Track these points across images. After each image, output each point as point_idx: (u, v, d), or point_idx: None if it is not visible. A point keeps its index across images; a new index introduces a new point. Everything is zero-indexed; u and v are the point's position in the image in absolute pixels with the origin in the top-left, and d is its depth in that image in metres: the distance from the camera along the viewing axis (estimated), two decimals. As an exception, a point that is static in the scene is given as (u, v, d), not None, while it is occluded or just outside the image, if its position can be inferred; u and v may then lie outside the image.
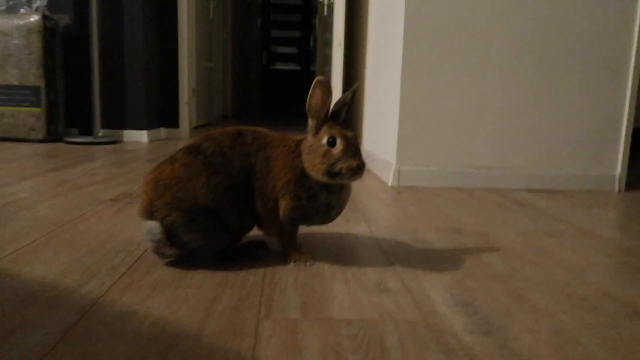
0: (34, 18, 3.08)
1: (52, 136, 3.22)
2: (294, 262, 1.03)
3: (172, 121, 3.78)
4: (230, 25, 6.32)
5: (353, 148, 0.94)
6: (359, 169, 0.93)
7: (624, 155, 2.10)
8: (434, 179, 2.05)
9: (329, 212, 1.01)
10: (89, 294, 0.86)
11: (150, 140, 3.44)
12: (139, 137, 3.39)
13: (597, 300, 0.93)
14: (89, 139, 3.15)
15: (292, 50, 8.69)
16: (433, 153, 2.05)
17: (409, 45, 2.00)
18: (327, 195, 0.98)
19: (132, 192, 1.72)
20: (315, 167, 0.95)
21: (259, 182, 0.98)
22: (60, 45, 3.28)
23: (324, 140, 0.95)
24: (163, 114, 3.73)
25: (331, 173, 0.93)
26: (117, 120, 3.39)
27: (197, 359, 0.67)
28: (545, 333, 0.78)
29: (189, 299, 0.86)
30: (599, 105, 2.09)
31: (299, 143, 1.00)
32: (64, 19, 3.31)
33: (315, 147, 0.95)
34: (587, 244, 1.30)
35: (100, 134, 3.26)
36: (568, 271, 1.08)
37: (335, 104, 0.98)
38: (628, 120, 2.09)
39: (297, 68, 8.67)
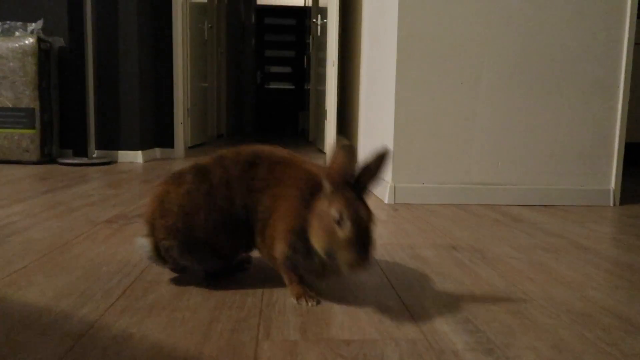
0: (29, 41, 3.09)
1: (47, 158, 3.21)
2: (296, 300, 0.94)
3: (167, 141, 3.78)
4: (224, 45, 6.38)
5: (361, 238, 0.81)
6: (358, 266, 0.81)
7: (617, 170, 2.12)
8: (429, 196, 2.05)
9: (324, 274, 0.92)
10: (84, 318, 0.85)
11: (145, 161, 3.44)
12: (134, 157, 3.39)
13: (597, 316, 0.92)
14: (83, 160, 3.14)
15: (286, 69, 8.78)
16: (428, 170, 2.06)
17: (401, 64, 2.02)
18: (324, 260, 0.87)
19: (127, 213, 1.71)
20: (316, 239, 0.85)
21: (260, 222, 0.94)
22: (55, 67, 3.29)
23: (332, 213, 0.82)
24: (158, 134, 3.73)
25: (330, 255, 0.83)
26: (112, 141, 3.39)
27: (195, 383, 0.65)
28: (546, 350, 0.78)
29: (186, 321, 0.85)
30: (592, 121, 2.11)
31: (314, 187, 0.88)
32: (59, 41, 3.33)
33: (324, 217, 0.83)
34: (585, 258, 1.30)
35: (94, 155, 3.26)
36: (567, 287, 1.08)
37: (360, 169, 0.85)
38: (620, 134, 2.11)
39: (291, 87, 8.75)
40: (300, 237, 0.88)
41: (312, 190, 0.89)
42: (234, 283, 1.04)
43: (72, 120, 3.31)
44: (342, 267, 0.82)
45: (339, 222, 0.81)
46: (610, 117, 2.11)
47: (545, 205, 2.07)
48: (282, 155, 0.98)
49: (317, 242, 0.85)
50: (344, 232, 0.81)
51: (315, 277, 0.95)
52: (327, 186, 0.85)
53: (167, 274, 1.09)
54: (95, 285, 1.01)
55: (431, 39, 2.03)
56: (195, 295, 0.96)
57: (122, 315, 0.86)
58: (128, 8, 3.32)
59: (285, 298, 0.96)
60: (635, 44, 2.31)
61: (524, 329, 0.85)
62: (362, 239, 0.81)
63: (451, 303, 0.96)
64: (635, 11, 2.07)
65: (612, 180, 2.12)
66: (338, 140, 0.84)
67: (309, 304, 0.92)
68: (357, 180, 0.85)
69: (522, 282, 1.10)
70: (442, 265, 1.21)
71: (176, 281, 1.04)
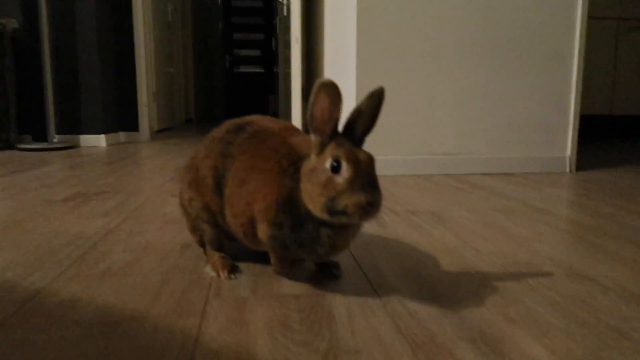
0: (-20, 22, 2.96)
1: (4, 144, 3.11)
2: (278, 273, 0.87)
3: (131, 125, 3.70)
4: (190, 28, 6.24)
5: (364, 177, 0.70)
6: (370, 207, 0.69)
7: (573, 137, 2.18)
8: (393, 168, 2.07)
9: (315, 249, 0.77)
10: (30, 286, 0.83)
11: (109, 145, 3.36)
12: (97, 141, 3.31)
13: (541, 265, 0.96)
14: (43, 145, 3.05)
15: (255, 52, 8.67)
16: (391, 142, 2.08)
17: (362, 37, 2.02)
18: (316, 228, 0.75)
19: (87, 192, 1.68)
20: (313, 200, 0.72)
21: (226, 189, 0.84)
22: (10, 50, 3.17)
23: (327, 164, 0.71)
24: (122, 118, 3.65)
25: (333, 210, 0.70)
26: (73, 125, 3.30)
27: (141, 338, 0.66)
28: (490, 296, 0.80)
29: (137, 285, 0.84)
30: (548, 91, 2.16)
31: (296, 161, 0.78)
32: (13, 23, 3.19)
33: (317, 173, 0.72)
34: (537, 218, 1.34)
35: (55, 140, 3.17)
36: (516, 242, 1.11)
37: (351, 114, 0.75)
38: (575, 103, 2.17)
39: (261, 70, 8.65)
40: (284, 209, 0.76)
41: (293, 162, 0.78)
42: (190, 252, 1.03)
43: (29, 104, 3.20)
44: (350, 216, 0.69)
45: (335, 169, 0.70)
46: (565, 86, 2.17)
47: (505, 174, 2.12)
48: (269, 125, 0.88)
49: (313, 202, 0.72)
50: (343, 175, 0.70)
51: (307, 255, 0.80)
52: (314, 138, 0.74)
53: (122, 243, 1.08)
54: (45, 256, 0.99)
55: (391, 13, 2.03)
56: (149, 263, 0.96)
57: (71, 282, 0.85)
58: (84, -13, 3.21)
59: (240, 263, 0.96)
60: (589, 17, 2.37)
61: (470, 279, 0.88)
62: (365, 179, 0.70)
63: (403, 260, 0.98)
64: (588, -18, 2.12)
65: (568, 147, 2.18)
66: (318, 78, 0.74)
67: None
68: (348, 128, 0.75)
69: (474, 240, 1.13)
70: (399, 228, 1.23)
71: (131, 251, 1.03)
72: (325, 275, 0.89)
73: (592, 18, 3.35)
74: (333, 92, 0.71)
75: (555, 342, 0.65)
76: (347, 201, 0.69)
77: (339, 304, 0.77)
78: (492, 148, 2.15)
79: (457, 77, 2.10)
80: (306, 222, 0.75)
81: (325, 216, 0.72)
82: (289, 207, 0.76)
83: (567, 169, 2.18)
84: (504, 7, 2.09)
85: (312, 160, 0.74)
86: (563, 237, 1.18)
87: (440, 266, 0.95)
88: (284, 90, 5.12)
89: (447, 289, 0.83)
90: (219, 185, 0.86)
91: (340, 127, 0.75)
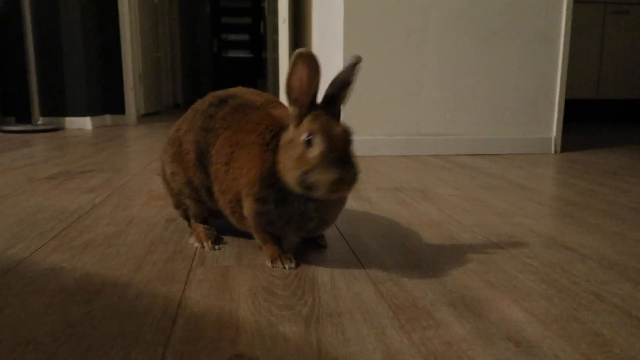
0: (-41, 0, 2.89)
1: (-13, 126, 3.06)
2: (271, 262, 0.80)
3: (117, 108, 3.66)
4: (177, 12, 6.15)
5: (337, 152, 0.69)
6: (339, 184, 0.68)
7: (558, 119, 2.20)
8: (380, 148, 2.08)
9: (304, 224, 0.77)
10: (12, 256, 0.83)
11: (95, 127, 3.32)
12: (82, 124, 3.27)
13: (522, 236, 0.97)
14: (27, 127, 3.00)
15: (243, 37, 8.57)
16: (379, 123, 2.08)
17: (349, 18, 2.01)
18: (302, 203, 0.75)
19: (71, 170, 1.66)
20: (288, 173, 0.72)
21: (213, 168, 0.83)
22: (-9, 30, 3.10)
23: (302, 137, 0.70)
24: (108, 101, 3.60)
25: (305, 184, 0.70)
26: (58, 107, 3.25)
27: (123, 303, 0.66)
28: (472, 264, 0.82)
29: (121, 255, 0.84)
30: (534, 72, 2.17)
31: (279, 132, 0.77)
32: (-7, 2, 3.12)
33: (293, 146, 0.71)
34: (521, 194, 1.36)
35: (39, 122, 3.12)
36: (499, 216, 1.12)
37: (330, 84, 0.74)
38: (561, 85, 2.19)
39: (249, 55, 8.57)
40: (267, 183, 0.75)
41: (276, 134, 0.77)
42: (175, 225, 1.03)
43: (12, 86, 3.15)
44: (320, 191, 0.69)
45: (309, 142, 0.69)
46: (551, 68, 2.18)
47: (491, 154, 2.13)
48: (251, 98, 0.87)
49: (288, 174, 0.72)
50: (317, 149, 0.69)
51: (295, 230, 0.79)
52: (292, 110, 0.73)
53: (107, 217, 1.07)
54: (28, 229, 0.98)
55: (378, -9, 2.02)
56: (133, 235, 0.95)
57: (54, 252, 0.85)
58: (67, -34, 3.14)
59: (224, 235, 0.96)
60: (576, 1, 2.38)
61: (453, 249, 0.89)
62: (339, 154, 0.69)
63: (387, 232, 0.99)
64: (575, -37, 2.12)
65: (554, 128, 2.20)
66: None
67: (286, 266, 0.79)
68: (327, 99, 0.74)
69: (458, 213, 1.14)
70: (384, 203, 1.24)
71: (115, 224, 1.02)
72: (310, 246, 0.89)
73: (579, 2, 3.37)
74: (311, 62, 0.69)
75: (534, 305, 0.67)
76: (319, 176, 0.68)
77: (323, 271, 0.78)
78: (479, 129, 2.16)
79: (443, 58, 2.10)
80: (290, 197, 0.74)
81: (298, 189, 0.71)
82: (272, 182, 0.75)
83: (552, 150, 2.20)
84: (492, -13, 2.08)
85: (290, 131, 0.73)
86: (545, 211, 1.19)
87: (424, 238, 0.96)
88: (272, 75, 5.08)
89: (430, 258, 0.84)
90: (202, 161, 0.85)
91: (320, 99, 0.74)
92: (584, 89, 3.88)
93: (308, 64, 0.69)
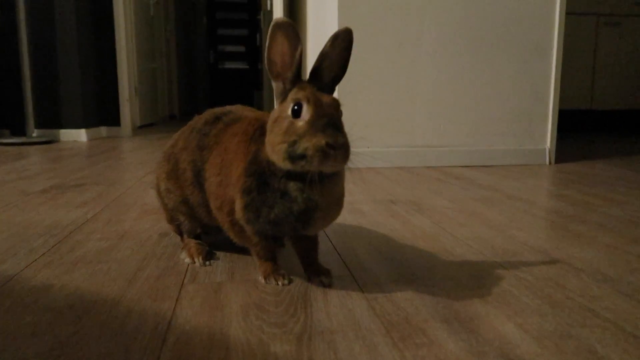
0: (-45, 13, 2.89)
1: (-19, 138, 3.04)
2: (264, 278, 0.78)
3: (113, 120, 3.65)
4: (173, 23, 6.18)
5: (326, 118, 0.65)
6: (330, 150, 0.63)
7: (552, 130, 2.21)
8: (375, 160, 2.08)
9: (289, 206, 0.70)
10: (2, 272, 0.82)
11: (90, 140, 3.31)
12: (77, 136, 3.26)
13: (517, 250, 0.97)
14: (22, 139, 2.99)
15: (239, 48, 8.61)
16: (373, 134, 2.09)
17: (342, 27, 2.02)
18: (283, 182, 0.70)
19: (64, 183, 1.65)
20: (275, 150, 0.67)
21: (206, 182, 0.81)
22: (-14, 43, 3.10)
23: (289, 110, 0.67)
24: (103, 113, 3.59)
25: (293, 156, 0.65)
26: (53, 119, 3.24)
27: (113, 321, 0.65)
28: (465, 278, 0.81)
29: (112, 271, 0.83)
30: (528, 83, 2.18)
31: (262, 125, 0.75)
32: (-11, 15, 3.13)
33: (279, 121, 0.68)
34: (515, 206, 1.36)
35: (34, 134, 3.11)
36: (493, 229, 1.12)
37: (316, 60, 0.70)
38: (554, 96, 2.20)
39: (246, 66, 8.60)
40: (250, 173, 0.72)
41: (259, 127, 0.76)
42: (168, 240, 1.02)
43: (7, 98, 3.14)
44: (310, 161, 0.64)
45: (296, 112, 0.66)
46: (545, 79, 2.19)
47: (486, 166, 2.14)
48: (245, 114, 0.86)
49: (275, 151, 0.67)
50: (304, 117, 0.65)
51: (290, 222, 0.72)
52: (276, 86, 0.70)
53: (99, 232, 1.06)
54: (19, 245, 0.97)
55: (372, 4, 2.03)
56: (125, 250, 0.95)
57: (44, 269, 0.84)
58: (63, -21, 3.15)
59: (217, 251, 0.95)
60: (569, 13, 2.41)
61: (446, 263, 0.89)
62: (327, 121, 0.65)
63: (381, 245, 0.99)
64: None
65: (548, 139, 2.21)
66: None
67: (279, 282, 0.77)
68: (314, 74, 0.70)
69: (452, 226, 1.14)
70: (379, 216, 1.23)
71: (107, 239, 1.02)
72: (313, 283, 0.78)
73: (572, 14, 3.41)
74: (290, 32, 0.66)
75: (527, 321, 0.66)
76: (307, 144, 0.64)
77: (315, 288, 0.77)
78: (473, 140, 2.17)
79: (437, 70, 2.11)
80: (271, 179, 0.70)
81: (287, 165, 0.66)
82: (254, 168, 0.72)
83: (547, 161, 2.21)
84: (484, 0, 2.10)
85: (276, 111, 0.70)
86: (539, 223, 1.19)
87: (417, 251, 0.95)
88: (268, 86, 5.09)
89: (423, 272, 0.84)
90: (198, 179, 0.85)
91: (307, 76, 0.71)
92: (578, 100, 3.90)
93: (287, 34, 0.67)
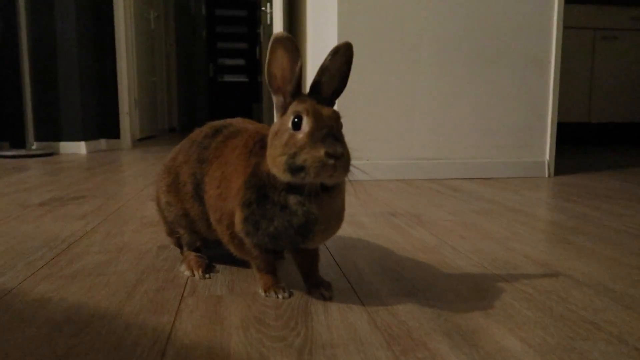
0: (-44, 27, 2.91)
1: (-19, 151, 3.05)
2: (264, 291, 0.78)
3: (112, 132, 3.66)
4: (174, 37, 6.23)
5: (326, 129, 0.65)
6: (330, 161, 0.63)
7: (551, 142, 2.22)
8: (375, 172, 2.08)
9: (289, 219, 0.70)
10: (0, 286, 0.81)
11: (90, 152, 3.32)
12: (77, 148, 3.26)
13: (518, 262, 0.97)
14: (21, 152, 3.00)
15: (239, 62, 8.67)
16: (373, 147, 2.09)
17: (342, 40, 2.03)
18: (283, 195, 0.70)
19: (63, 196, 1.65)
20: (275, 162, 0.67)
21: (206, 194, 0.81)
22: (-13, 56, 3.12)
23: (289, 123, 0.67)
24: (103, 125, 3.60)
25: (293, 167, 0.65)
26: (53, 131, 3.25)
27: (111, 335, 0.64)
28: (466, 291, 0.81)
29: (111, 284, 0.83)
30: (526, 96, 2.20)
31: (263, 138, 0.75)
32: (-9, 29, 3.15)
33: (280, 134, 0.68)
34: (515, 218, 1.36)
35: (34, 147, 3.12)
36: (494, 241, 1.12)
37: (316, 73, 0.71)
38: (553, 108, 2.21)
39: (245, 80, 8.65)
40: (249, 185, 0.72)
41: (260, 140, 0.76)
42: (167, 252, 1.02)
43: (7, 110, 3.14)
44: (309, 173, 0.64)
45: (296, 125, 0.66)
46: (543, 92, 2.21)
47: (485, 178, 2.14)
48: (245, 126, 0.85)
49: (276, 163, 0.67)
50: (304, 129, 0.66)
51: (289, 235, 0.71)
52: (276, 100, 0.71)
53: (98, 245, 1.06)
54: (17, 257, 0.97)
55: (371, 19, 2.05)
56: (124, 263, 0.94)
57: (43, 282, 0.83)
58: (65, -7, 3.18)
59: (216, 263, 0.95)
60: (567, 27, 2.43)
61: (448, 276, 0.88)
62: (327, 132, 0.65)
63: (381, 258, 0.98)
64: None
65: (547, 152, 2.22)
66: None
67: (279, 296, 0.77)
68: (314, 88, 0.71)
69: (452, 239, 1.14)
70: (378, 228, 1.23)
71: (106, 252, 1.01)
72: (313, 296, 0.78)
73: (570, 28, 3.44)
74: (290, 46, 0.67)
75: (530, 334, 0.66)
76: (306, 156, 0.64)
77: (316, 300, 0.77)
78: (473, 153, 2.17)
79: (436, 83, 2.13)
80: (271, 192, 0.70)
81: (287, 177, 0.67)
82: (254, 181, 0.72)
83: (546, 174, 2.21)
84: (484, 11, 2.12)
85: (276, 124, 0.70)
86: (540, 236, 1.19)
87: (418, 264, 0.95)
88: (268, 99, 5.12)
89: (424, 285, 0.83)
90: (198, 193, 0.84)
91: (307, 90, 0.72)
92: (576, 113, 3.92)
93: (287, 48, 0.67)
